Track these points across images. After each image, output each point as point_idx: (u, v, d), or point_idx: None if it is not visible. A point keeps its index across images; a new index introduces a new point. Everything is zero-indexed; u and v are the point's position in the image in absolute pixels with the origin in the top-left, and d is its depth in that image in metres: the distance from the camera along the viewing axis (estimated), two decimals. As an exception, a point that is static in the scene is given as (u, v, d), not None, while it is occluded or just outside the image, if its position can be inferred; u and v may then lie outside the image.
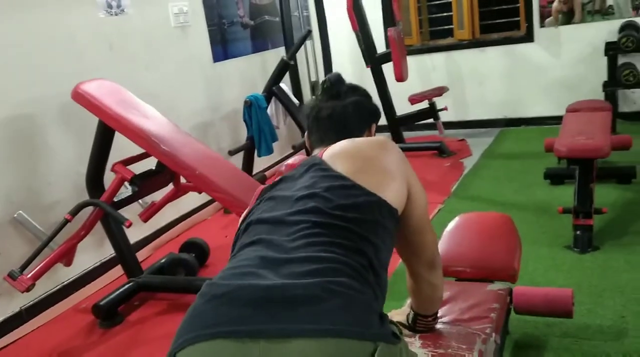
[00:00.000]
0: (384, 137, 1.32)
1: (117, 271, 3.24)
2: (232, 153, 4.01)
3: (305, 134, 1.52)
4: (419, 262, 1.37)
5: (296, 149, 4.14)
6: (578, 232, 2.89)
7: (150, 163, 2.90)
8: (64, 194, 3.08)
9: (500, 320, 1.51)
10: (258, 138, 4.01)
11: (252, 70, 4.83)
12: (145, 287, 2.95)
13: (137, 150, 2.76)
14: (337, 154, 1.26)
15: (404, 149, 4.95)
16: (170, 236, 3.82)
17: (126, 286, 2.90)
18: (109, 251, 3.26)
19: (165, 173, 2.85)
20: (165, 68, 3.86)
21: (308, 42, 5.31)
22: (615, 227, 3.04)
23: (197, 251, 3.29)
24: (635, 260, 2.68)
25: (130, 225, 2.61)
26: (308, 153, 1.50)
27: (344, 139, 1.33)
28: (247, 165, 4.24)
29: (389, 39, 4.68)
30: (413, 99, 4.80)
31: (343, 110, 1.44)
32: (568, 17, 5.13)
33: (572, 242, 2.88)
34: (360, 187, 1.17)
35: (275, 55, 5.09)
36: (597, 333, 2.19)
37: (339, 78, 1.51)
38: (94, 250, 3.27)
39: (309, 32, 4.58)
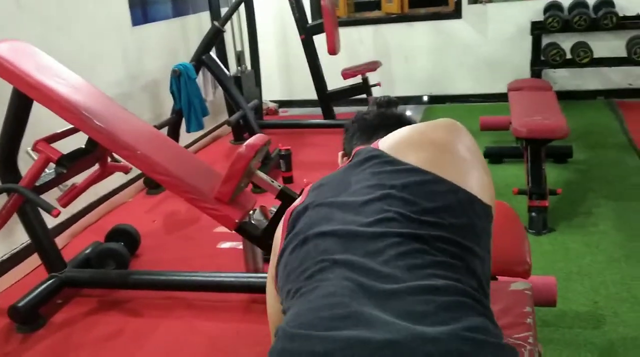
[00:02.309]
0: (447, 118, 1.09)
1: (32, 262, 2.81)
2: (158, 128, 3.61)
3: (340, 152, 1.30)
4: None
5: (231, 125, 3.82)
6: (533, 214, 2.85)
7: (74, 141, 2.49)
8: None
9: (535, 326, 1.37)
10: (187, 112, 3.64)
11: (174, 37, 4.40)
12: (70, 282, 2.57)
13: (59, 125, 2.35)
14: (399, 143, 1.01)
15: (334, 126, 4.78)
16: (88, 221, 3.40)
17: (47, 283, 2.50)
18: (20, 240, 2.82)
19: (97, 153, 2.46)
20: (80, 30, 3.38)
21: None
22: (564, 208, 3.04)
23: (126, 238, 2.92)
24: (592, 241, 2.68)
25: (58, 214, 2.22)
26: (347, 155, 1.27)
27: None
28: (172, 142, 3.86)
29: (322, 9, 4.43)
30: (346, 74, 4.60)
31: (396, 114, 1.25)
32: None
33: (527, 224, 2.84)
34: (445, 181, 0.92)
35: (197, 20, 4.69)
36: (576, 320, 2.14)
37: (394, 100, 1.32)
38: (2, 239, 2.81)
39: (243, -4, 4.23)
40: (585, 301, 2.25)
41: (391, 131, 1.11)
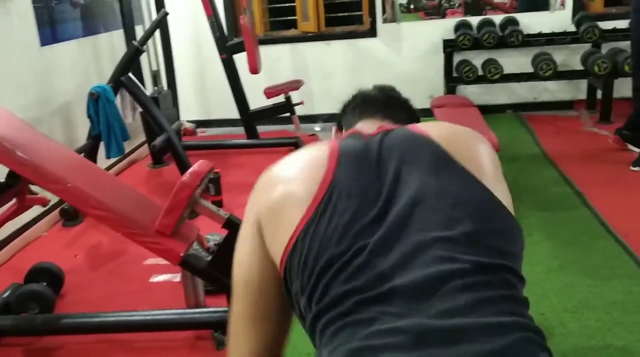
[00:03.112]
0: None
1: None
2: (74, 155, 3.36)
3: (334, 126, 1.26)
4: None
5: (155, 149, 3.62)
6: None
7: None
8: None
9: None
10: (107, 136, 3.42)
11: (85, 56, 4.14)
12: (-11, 332, 2.30)
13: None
14: (451, 137, 0.96)
15: (258, 146, 4.69)
16: (1, 259, 3.09)
17: (-38, 335, 2.22)
18: None
19: (18, 187, 2.23)
20: (-17, 51, 3.09)
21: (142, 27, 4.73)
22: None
23: (49, 278, 2.67)
24: (528, 253, 2.71)
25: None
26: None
27: (392, 114, 1.11)
28: (90, 169, 3.60)
29: (241, 28, 4.35)
30: (269, 93, 4.53)
31: (402, 97, 1.23)
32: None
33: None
34: (499, 200, 0.88)
35: (109, 39, 4.45)
36: (527, 334, 2.18)
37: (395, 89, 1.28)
38: None
39: (166, 14, 4.05)
40: (532, 314, 2.30)
41: (396, 110, 1.13)
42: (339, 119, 1.27)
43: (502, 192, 0.93)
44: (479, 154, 0.95)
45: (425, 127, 1.00)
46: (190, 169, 2.08)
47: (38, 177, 2.01)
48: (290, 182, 0.93)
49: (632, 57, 4.05)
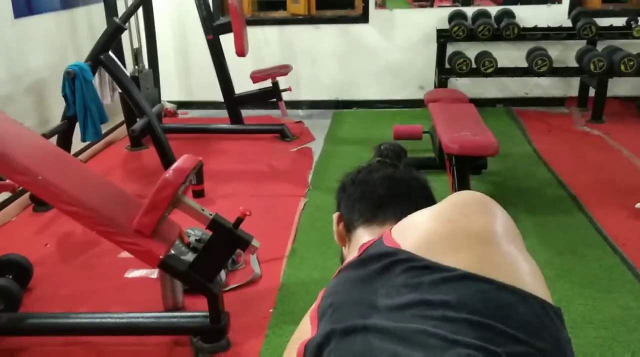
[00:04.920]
0: (468, 192, 0.88)
1: None
2: (47, 137, 3.15)
3: (337, 213, 1.09)
4: None
5: (134, 134, 3.43)
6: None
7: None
8: None
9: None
10: (83, 118, 3.21)
11: (62, 31, 3.91)
12: (-53, 332, 2.12)
13: None
14: (429, 239, 0.78)
15: (243, 132, 4.52)
16: (-36, 248, 2.89)
17: None
18: None
19: (-17, 177, 2.04)
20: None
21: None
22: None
23: (15, 271, 2.49)
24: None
25: None
26: (342, 238, 1.06)
27: (407, 210, 0.90)
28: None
29: (229, 7, 4.14)
30: (255, 77, 4.35)
31: (406, 177, 1.04)
32: None
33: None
34: (509, 287, 0.72)
35: (87, 13, 4.22)
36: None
37: (402, 150, 1.12)
38: None
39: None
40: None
41: (400, 203, 0.95)
42: (338, 204, 1.11)
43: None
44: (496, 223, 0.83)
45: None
46: (174, 165, 1.91)
47: (5, 167, 1.82)
48: None
49: None
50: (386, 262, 0.78)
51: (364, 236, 0.99)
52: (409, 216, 0.85)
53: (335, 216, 1.09)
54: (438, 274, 0.73)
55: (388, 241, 0.81)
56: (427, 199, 1.04)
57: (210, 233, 2.02)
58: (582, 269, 2.58)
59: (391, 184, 1.04)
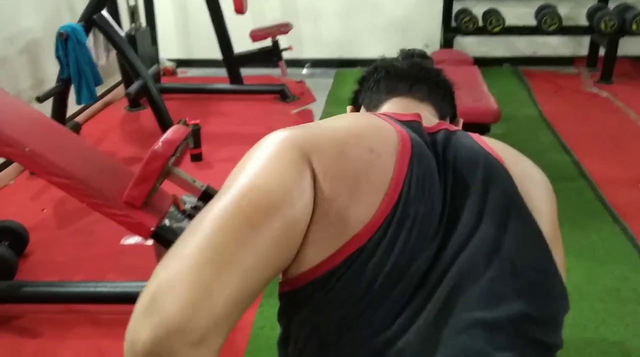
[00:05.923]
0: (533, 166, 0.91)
1: None
2: (41, 100, 3.11)
3: (350, 106, 1.07)
4: None
5: (130, 97, 3.37)
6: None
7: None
8: None
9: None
10: (77, 81, 3.15)
11: (56, -11, 3.81)
12: (-57, 299, 2.14)
13: None
14: (524, 178, 0.82)
15: (242, 92, 4.42)
16: (-41, 213, 2.89)
17: None
18: None
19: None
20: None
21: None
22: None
23: (11, 237, 2.49)
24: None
25: None
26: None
27: (431, 97, 0.93)
28: (59, 115, 3.35)
29: (228, -37, 4.01)
30: (255, 36, 4.25)
31: (436, 68, 1.02)
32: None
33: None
34: (557, 272, 0.74)
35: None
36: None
37: (427, 55, 1.07)
38: None
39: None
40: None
41: (431, 90, 0.95)
42: (355, 95, 1.06)
43: (560, 258, 0.77)
44: (544, 205, 0.82)
45: (496, 149, 0.82)
46: (164, 137, 1.87)
47: (-9, 139, 1.79)
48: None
49: None
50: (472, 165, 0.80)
51: (399, 105, 0.95)
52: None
53: (348, 108, 1.06)
54: (531, 228, 0.78)
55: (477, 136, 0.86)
56: (453, 97, 1.04)
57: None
58: (581, 238, 2.55)
59: (421, 68, 1.00)
